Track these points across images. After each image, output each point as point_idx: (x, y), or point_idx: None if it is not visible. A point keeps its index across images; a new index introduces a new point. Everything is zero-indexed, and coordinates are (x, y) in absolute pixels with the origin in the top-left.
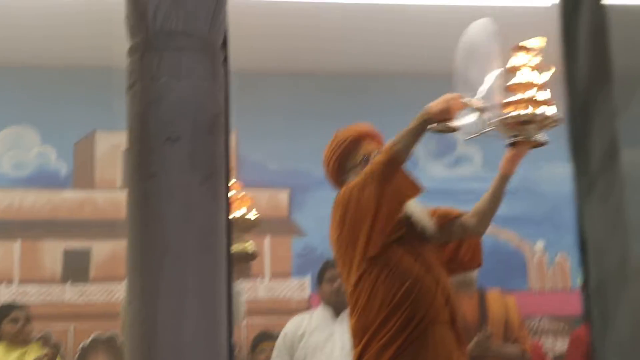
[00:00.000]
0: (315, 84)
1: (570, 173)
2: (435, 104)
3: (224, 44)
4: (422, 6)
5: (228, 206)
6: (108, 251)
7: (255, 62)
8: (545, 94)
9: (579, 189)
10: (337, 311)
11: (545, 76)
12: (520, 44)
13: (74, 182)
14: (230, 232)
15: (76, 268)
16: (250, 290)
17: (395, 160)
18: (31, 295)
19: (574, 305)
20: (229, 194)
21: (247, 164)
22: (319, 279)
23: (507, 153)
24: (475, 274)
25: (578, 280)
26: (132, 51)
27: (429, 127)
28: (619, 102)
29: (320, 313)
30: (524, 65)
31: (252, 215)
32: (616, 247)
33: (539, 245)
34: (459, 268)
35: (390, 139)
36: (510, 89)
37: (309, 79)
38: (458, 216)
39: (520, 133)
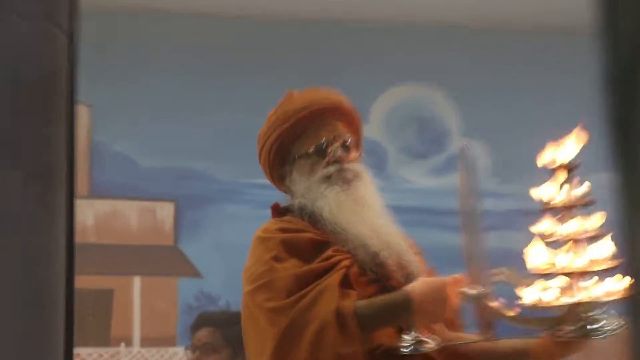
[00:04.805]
0: (219, 31)
1: (611, 183)
2: (422, 288)
3: None
4: None
5: (71, 221)
6: None
7: None
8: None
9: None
10: None
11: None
12: (560, 159)
13: None
14: (72, 262)
15: None
16: None
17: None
18: None
19: None
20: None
21: (106, 158)
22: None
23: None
24: None
25: None
26: None
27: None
28: None
29: None
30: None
31: None
32: None
33: None
34: None
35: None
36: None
37: (210, 23)
38: None
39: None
